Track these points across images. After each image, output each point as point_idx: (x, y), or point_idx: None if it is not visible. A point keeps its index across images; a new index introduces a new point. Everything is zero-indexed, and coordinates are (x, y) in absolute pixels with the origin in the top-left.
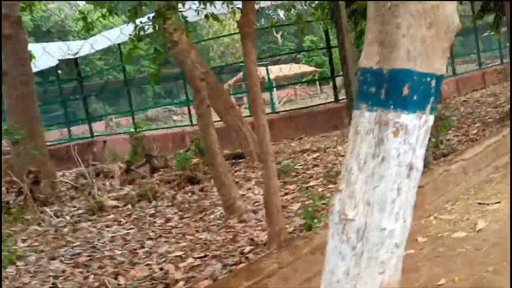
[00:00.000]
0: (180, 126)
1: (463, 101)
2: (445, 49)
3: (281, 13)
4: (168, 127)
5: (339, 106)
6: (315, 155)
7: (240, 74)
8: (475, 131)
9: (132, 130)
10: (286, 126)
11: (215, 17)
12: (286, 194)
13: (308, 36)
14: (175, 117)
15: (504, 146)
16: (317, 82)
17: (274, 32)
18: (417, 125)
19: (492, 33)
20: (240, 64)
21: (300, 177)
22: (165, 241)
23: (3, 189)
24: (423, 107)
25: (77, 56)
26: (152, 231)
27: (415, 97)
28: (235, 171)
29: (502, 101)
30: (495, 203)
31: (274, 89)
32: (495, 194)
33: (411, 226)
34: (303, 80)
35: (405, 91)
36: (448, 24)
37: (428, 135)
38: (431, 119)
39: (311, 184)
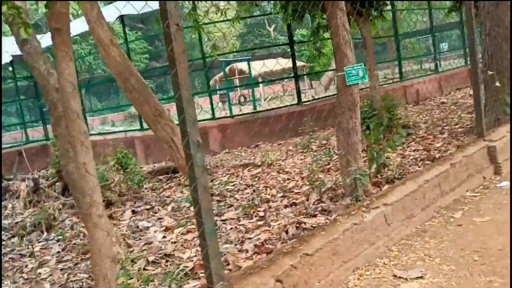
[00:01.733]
0: (130, 130)
1: (441, 102)
2: None
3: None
4: (121, 131)
5: (302, 109)
6: (255, 171)
7: (226, 69)
8: (439, 144)
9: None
10: (244, 131)
11: None
12: (188, 232)
13: (300, 30)
14: None
15: (453, 179)
16: (306, 78)
17: (267, 25)
18: None
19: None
20: (221, 59)
21: (221, 204)
22: None
23: None
24: None
25: None
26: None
27: None
28: (163, 190)
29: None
30: (416, 278)
31: (260, 85)
32: (422, 258)
33: None
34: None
35: None
36: None
37: None
38: None
39: (225, 217)
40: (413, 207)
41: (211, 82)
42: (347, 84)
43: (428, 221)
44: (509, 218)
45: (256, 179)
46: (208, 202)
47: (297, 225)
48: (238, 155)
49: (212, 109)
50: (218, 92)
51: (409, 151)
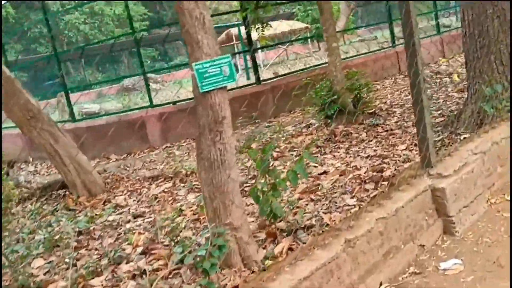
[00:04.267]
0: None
1: (436, 73)
2: None
3: None
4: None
5: (262, 89)
6: (164, 186)
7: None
8: (403, 147)
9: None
10: (188, 119)
11: None
12: None
13: None
14: (153, 85)
15: (351, 268)
16: (310, 41)
17: None
18: None
19: None
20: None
21: (72, 256)
22: None
23: None
24: None
25: None
26: None
27: None
28: (43, 216)
29: None
30: None
31: (259, 51)
32: None
33: None
34: (293, 39)
35: None
36: None
37: None
38: None
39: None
40: None
41: None
42: (201, 90)
43: None
44: None
45: (156, 201)
46: None
47: None
48: (170, 155)
49: (149, 95)
50: None
51: (361, 157)
